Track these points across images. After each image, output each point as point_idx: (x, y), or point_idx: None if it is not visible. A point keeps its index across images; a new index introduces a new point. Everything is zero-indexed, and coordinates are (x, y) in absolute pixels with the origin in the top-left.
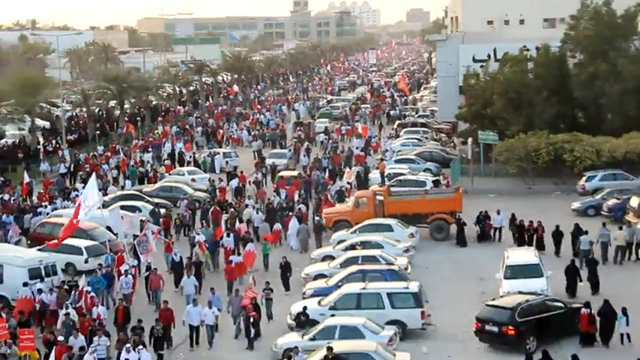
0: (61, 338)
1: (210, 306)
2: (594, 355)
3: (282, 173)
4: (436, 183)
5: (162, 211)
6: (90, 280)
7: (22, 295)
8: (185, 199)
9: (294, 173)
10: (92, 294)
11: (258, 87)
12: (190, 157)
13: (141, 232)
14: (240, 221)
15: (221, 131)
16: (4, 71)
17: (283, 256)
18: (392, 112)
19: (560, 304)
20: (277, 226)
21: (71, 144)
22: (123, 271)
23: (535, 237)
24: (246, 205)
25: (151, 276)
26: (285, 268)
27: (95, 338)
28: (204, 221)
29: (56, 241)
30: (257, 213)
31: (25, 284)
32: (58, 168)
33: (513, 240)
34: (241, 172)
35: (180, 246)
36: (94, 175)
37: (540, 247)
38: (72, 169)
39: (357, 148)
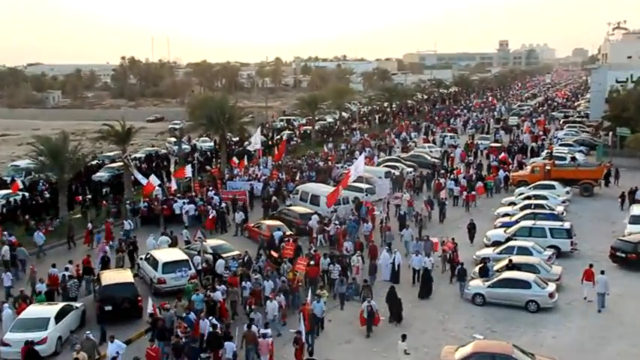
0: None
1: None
2: None
3: (492, 145)
4: (572, 159)
5: (409, 170)
6: (348, 224)
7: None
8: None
9: (499, 145)
10: (338, 227)
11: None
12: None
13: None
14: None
15: (444, 123)
16: (326, 85)
17: (471, 219)
18: (554, 113)
19: None
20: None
21: (360, 129)
22: (368, 217)
23: None
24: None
25: (385, 225)
26: (472, 227)
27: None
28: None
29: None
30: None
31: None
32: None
33: None
34: (463, 150)
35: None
36: (362, 155)
37: None
38: (349, 146)
39: (534, 133)
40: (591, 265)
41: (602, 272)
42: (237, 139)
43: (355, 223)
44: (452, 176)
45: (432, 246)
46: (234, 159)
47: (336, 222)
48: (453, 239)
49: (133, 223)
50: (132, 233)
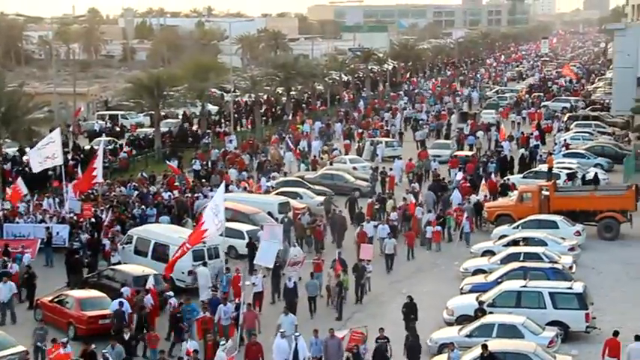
0: None
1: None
2: None
3: (456, 153)
4: (570, 176)
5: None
6: (183, 308)
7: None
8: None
9: (469, 153)
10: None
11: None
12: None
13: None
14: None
15: (375, 120)
16: (180, 56)
17: (409, 295)
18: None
19: None
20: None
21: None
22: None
23: None
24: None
25: (245, 313)
26: (410, 310)
27: None
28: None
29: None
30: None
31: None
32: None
33: None
34: (410, 159)
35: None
36: (222, 185)
37: None
38: (205, 164)
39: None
40: (616, 334)
41: (638, 337)
42: (16, 149)
43: (211, 303)
44: (391, 212)
45: (339, 347)
46: (17, 184)
47: (170, 294)
48: (381, 331)
49: None
50: None
